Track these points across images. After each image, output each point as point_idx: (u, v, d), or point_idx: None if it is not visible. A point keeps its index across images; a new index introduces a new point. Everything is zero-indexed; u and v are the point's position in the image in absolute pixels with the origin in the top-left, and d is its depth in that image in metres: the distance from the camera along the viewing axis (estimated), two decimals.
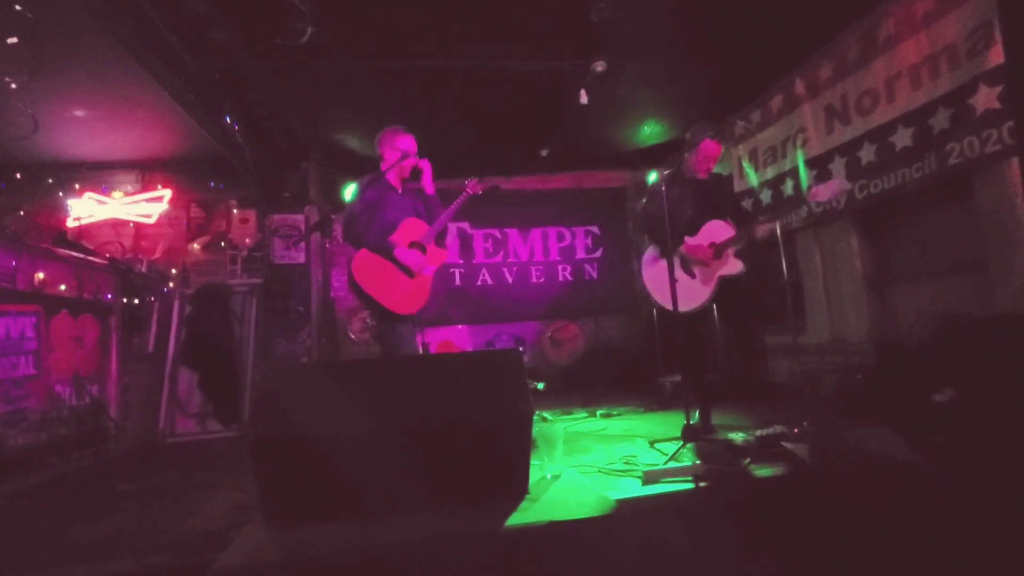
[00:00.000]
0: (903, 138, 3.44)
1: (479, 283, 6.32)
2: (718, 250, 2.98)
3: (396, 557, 1.44)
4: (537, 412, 3.62)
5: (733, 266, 2.94)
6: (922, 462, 1.74)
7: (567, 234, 6.60)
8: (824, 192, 2.78)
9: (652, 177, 3.87)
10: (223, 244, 5.27)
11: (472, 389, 1.71)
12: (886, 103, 3.56)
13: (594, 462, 2.54)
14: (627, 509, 1.84)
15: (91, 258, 4.09)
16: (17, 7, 2.57)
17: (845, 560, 1.71)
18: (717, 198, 3.10)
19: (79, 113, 4.18)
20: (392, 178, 2.89)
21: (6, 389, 3.18)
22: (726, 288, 2.98)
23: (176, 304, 4.74)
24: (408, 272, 2.74)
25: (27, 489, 2.95)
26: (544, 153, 5.66)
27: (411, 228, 2.83)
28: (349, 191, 2.80)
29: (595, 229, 6.64)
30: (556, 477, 2.03)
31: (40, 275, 3.55)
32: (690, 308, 2.97)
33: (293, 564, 1.37)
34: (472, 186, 2.94)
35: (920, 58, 3.32)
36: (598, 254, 6.63)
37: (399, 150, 2.88)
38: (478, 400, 1.70)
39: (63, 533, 2.14)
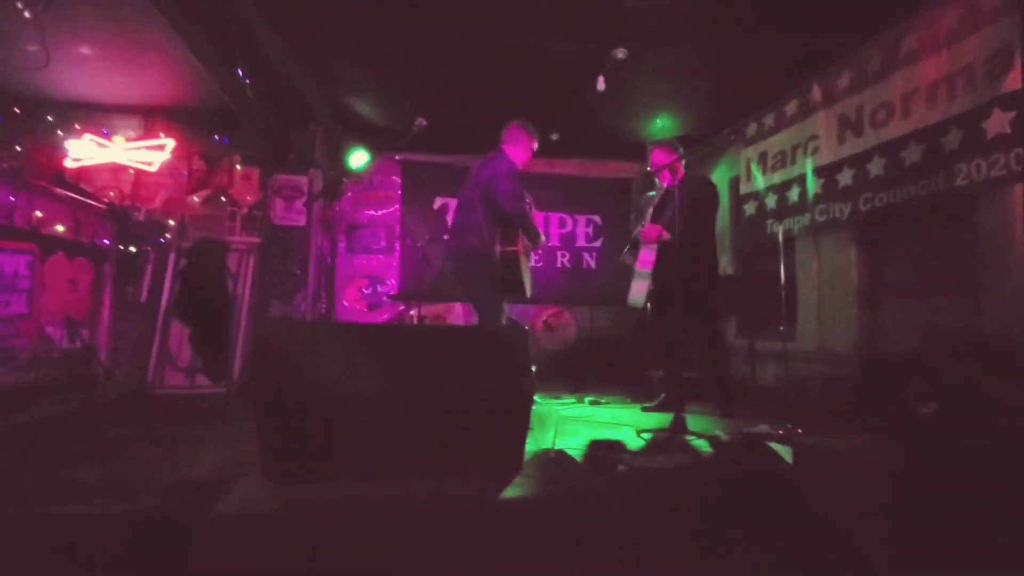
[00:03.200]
0: (913, 154, 3.47)
1: None
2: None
3: (392, 518, 1.47)
4: None
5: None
6: (891, 467, 1.81)
7: (569, 220, 6.59)
8: (651, 232, 3.35)
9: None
10: (223, 199, 5.21)
11: (477, 362, 1.74)
12: (900, 118, 3.58)
13: (582, 445, 2.59)
14: (614, 489, 1.91)
15: (89, 201, 4.03)
16: None
17: (816, 550, 1.78)
18: (674, 205, 3.12)
19: (86, 51, 4.05)
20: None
21: None
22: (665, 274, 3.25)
23: (172, 256, 4.69)
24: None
25: (15, 428, 2.94)
26: (555, 137, 5.62)
27: None
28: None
29: (597, 219, 6.64)
30: (548, 455, 2.07)
31: (38, 213, 3.50)
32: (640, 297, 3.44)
33: (292, 515, 1.40)
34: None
35: (939, 76, 3.33)
36: (598, 244, 6.64)
37: (531, 151, 3.38)
38: (482, 373, 1.73)
39: (54, 473, 2.14)
